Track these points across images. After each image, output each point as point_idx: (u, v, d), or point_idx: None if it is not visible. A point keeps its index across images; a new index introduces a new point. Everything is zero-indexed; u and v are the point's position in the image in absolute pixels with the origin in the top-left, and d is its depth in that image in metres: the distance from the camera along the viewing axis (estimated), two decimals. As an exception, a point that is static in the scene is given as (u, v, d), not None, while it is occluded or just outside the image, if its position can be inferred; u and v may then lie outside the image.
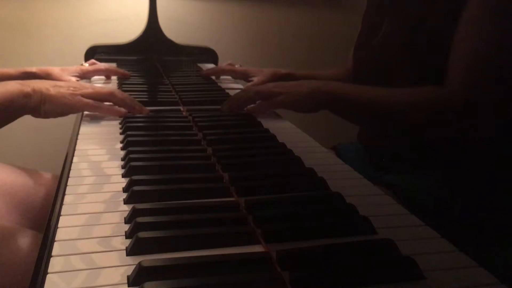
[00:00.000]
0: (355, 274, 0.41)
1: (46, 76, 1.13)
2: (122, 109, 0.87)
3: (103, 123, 0.86)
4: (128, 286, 0.39)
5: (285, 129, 0.86)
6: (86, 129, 0.82)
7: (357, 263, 0.42)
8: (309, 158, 0.68)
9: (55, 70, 1.16)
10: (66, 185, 0.58)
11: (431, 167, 0.90)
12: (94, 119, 0.89)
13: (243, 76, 1.29)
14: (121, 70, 1.26)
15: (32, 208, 0.89)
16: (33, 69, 1.14)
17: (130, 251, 0.44)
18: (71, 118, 0.92)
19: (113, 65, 1.31)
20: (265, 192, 0.57)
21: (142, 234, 0.45)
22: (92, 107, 0.85)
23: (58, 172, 0.67)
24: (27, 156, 1.82)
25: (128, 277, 0.40)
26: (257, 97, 0.92)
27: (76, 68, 1.22)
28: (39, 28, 1.78)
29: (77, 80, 1.18)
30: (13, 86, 0.79)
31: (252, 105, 0.92)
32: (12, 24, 1.76)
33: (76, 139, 0.76)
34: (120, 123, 0.85)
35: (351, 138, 1.14)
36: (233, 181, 0.59)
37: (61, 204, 0.53)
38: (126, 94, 0.92)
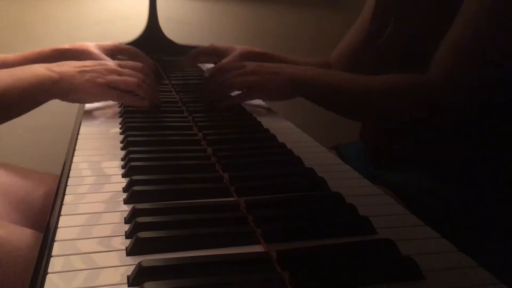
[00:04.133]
0: (355, 274, 0.41)
1: (81, 53, 1.10)
2: (146, 102, 0.87)
3: (103, 123, 0.86)
4: (128, 286, 0.39)
5: (285, 129, 0.86)
6: (86, 129, 0.82)
7: (357, 263, 0.42)
8: (309, 158, 0.68)
9: (90, 45, 1.13)
10: (66, 185, 0.58)
11: (432, 166, 0.90)
12: (94, 119, 0.89)
13: (214, 54, 1.22)
14: (149, 60, 1.19)
15: (32, 207, 0.88)
16: (66, 45, 1.11)
17: (130, 251, 0.44)
18: (71, 118, 0.92)
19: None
20: (265, 192, 0.56)
21: (142, 234, 0.45)
22: (116, 98, 0.87)
23: (58, 172, 0.67)
24: (27, 156, 1.82)
25: (128, 277, 0.40)
26: (234, 89, 0.92)
27: (110, 44, 1.18)
28: (39, 28, 1.78)
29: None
30: (40, 71, 0.79)
31: (228, 100, 0.92)
32: (12, 24, 1.76)
33: (76, 139, 0.76)
34: (120, 123, 0.85)
35: (352, 138, 1.14)
36: (233, 181, 0.59)
37: (61, 204, 0.53)
38: (151, 83, 0.91)
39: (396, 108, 0.85)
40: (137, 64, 0.95)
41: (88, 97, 0.85)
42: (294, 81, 0.88)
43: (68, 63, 0.85)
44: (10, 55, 1.07)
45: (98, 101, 0.88)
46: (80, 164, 0.66)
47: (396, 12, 0.98)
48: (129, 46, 1.21)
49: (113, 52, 1.16)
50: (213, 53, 1.22)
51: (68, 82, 0.81)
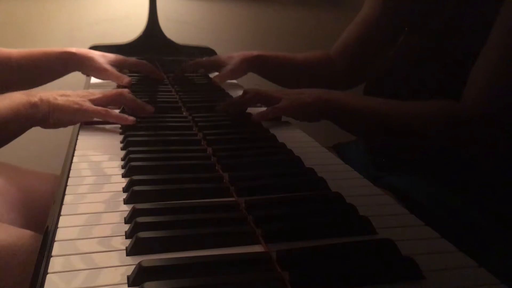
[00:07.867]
0: (355, 274, 0.41)
1: (86, 60, 1.09)
2: (131, 117, 0.82)
3: (103, 123, 0.86)
4: (128, 286, 0.39)
5: (285, 129, 0.86)
6: (86, 129, 0.82)
7: (357, 263, 0.42)
8: (309, 158, 0.68)
9: (96, 54, 1.12)
10: (66, 185, 0.58)
11: (434, 169, 0.90)
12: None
13: (213, 66, 1.23)
14: (157, 71, 1.20)
15: (32, 208, 0.88)
16: (73, 49, 1.09)
17: (130, 251, 0.44)
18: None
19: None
20: (265, 192, 0.57)
21: (142, 234, 0.45)
22: (101, 115, 0.81)
23: (58, 172, 0.67)
24: (27, 156, 1.82)
25: (128, 277, 0.40)
26: (255, 100, 0.91)
27: (116, 56, 1.16)
28: (39, 28, 1.78)
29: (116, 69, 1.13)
30: (18, 97, 0.77)
31: (254, 115, 0.88)
32: (12, 24, 1.76)
33: (76, 139, 0.76)
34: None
35: (351, 137, 1.14)
36: (233, 181, 0.59)
37: (61, 204, 0.53)
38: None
39: (426, 135, 0.82)
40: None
41: (71, 116, 0.80)
42: (318, 102, 0.85)
43: (49, 90, 0.83)
44: (14, 50, 1.05)
45: (83, 119, 0.83)
46: (80, 164, 0.66)
47: (411, 22, 0.96)
48: (134, 60, 1.19)
49: (119, 65, 1.15)
50: (212, 65, 1.22)
51: (49, 104, 0.78)
